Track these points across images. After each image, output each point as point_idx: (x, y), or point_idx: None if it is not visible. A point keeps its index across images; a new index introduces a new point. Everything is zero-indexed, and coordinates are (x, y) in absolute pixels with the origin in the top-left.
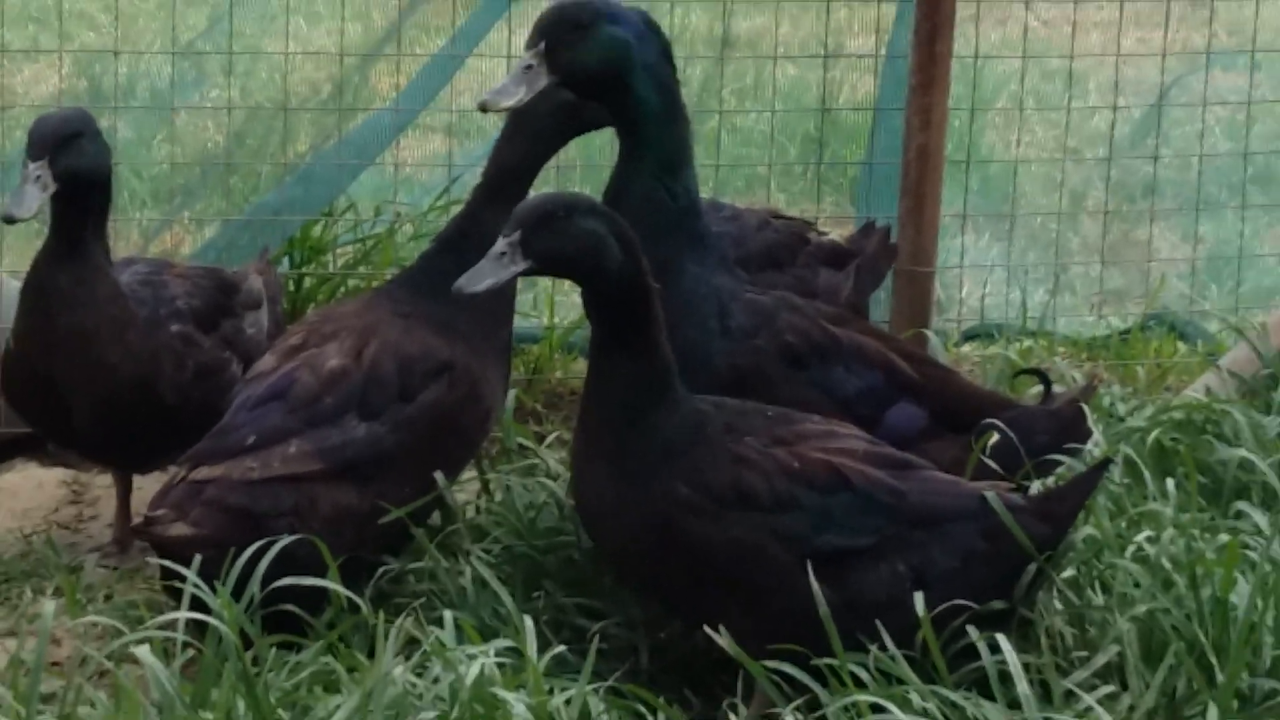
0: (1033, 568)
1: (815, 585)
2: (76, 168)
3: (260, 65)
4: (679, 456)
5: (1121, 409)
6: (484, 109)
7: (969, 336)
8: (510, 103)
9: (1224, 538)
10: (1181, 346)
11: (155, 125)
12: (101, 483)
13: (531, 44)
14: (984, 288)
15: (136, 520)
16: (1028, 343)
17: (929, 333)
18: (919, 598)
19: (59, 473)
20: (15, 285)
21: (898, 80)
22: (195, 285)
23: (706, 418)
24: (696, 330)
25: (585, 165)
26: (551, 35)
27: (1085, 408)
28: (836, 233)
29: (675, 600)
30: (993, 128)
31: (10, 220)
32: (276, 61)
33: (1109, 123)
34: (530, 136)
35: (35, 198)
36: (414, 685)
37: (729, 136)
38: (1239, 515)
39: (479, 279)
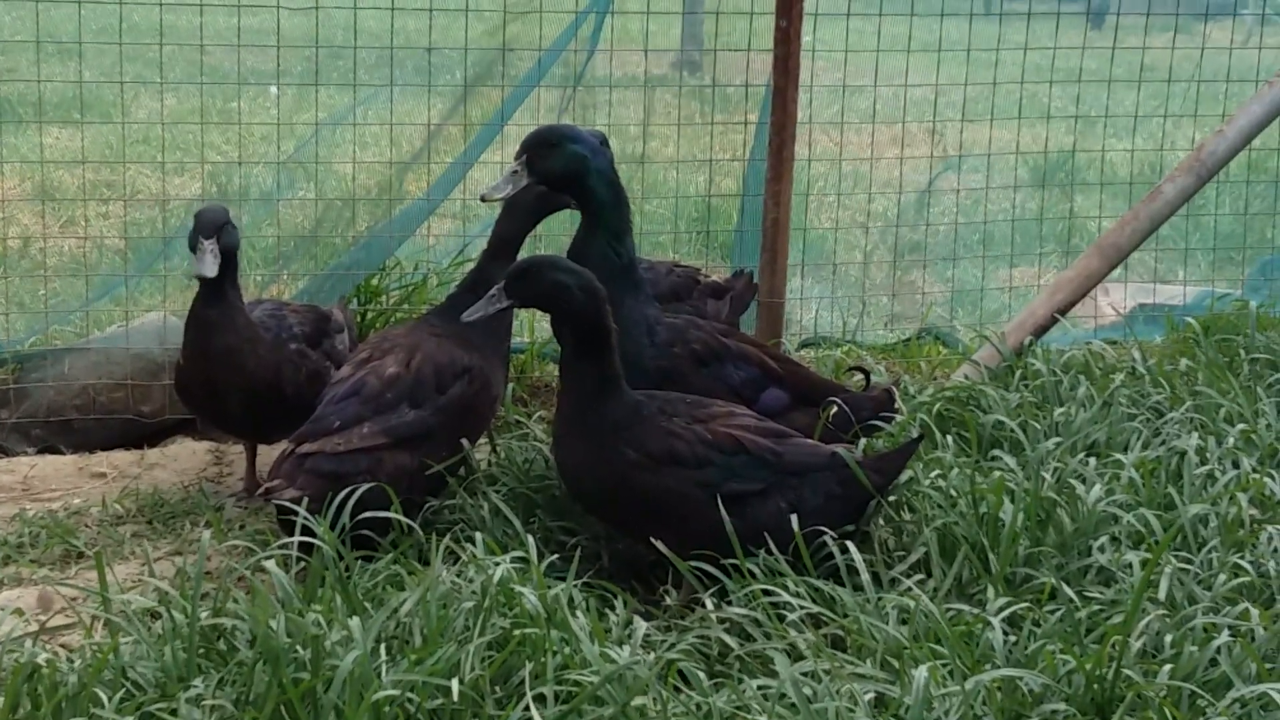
0: (873, 503)
1: (725, 516)
2: (230, 243)
3: (331, 174)
4: (625, 431)
5: (913, 390)
6: (483, 200)
7: (804, 344)
8: (500, 196)
9: (997, 474)
10: (944, 349)
11: (264, 213)
12: (235, 450)
13: (517, 156)
14: (814, 313)
15: (260, 487)
16: (845, 348)
17: (783, 341)
18: (794, 520)
19: (206, 444)
20: (174, 320)
21: (758, 177)
22: (304, 316)
23: (643, 404)
24: (632, 345)
25: (549, 235)
26: (530, 150)
27: (896, 392)
28: (716, 275)
29: (627, 525)
30: (812, 209)
31: (202, 278)
32: (343, 171)
33: (884, 207)
34: (518, 216)
35: (213, 264)
36: (456, 584)
37: (641, 217)
38: (994, 458)
39: (475, 311)
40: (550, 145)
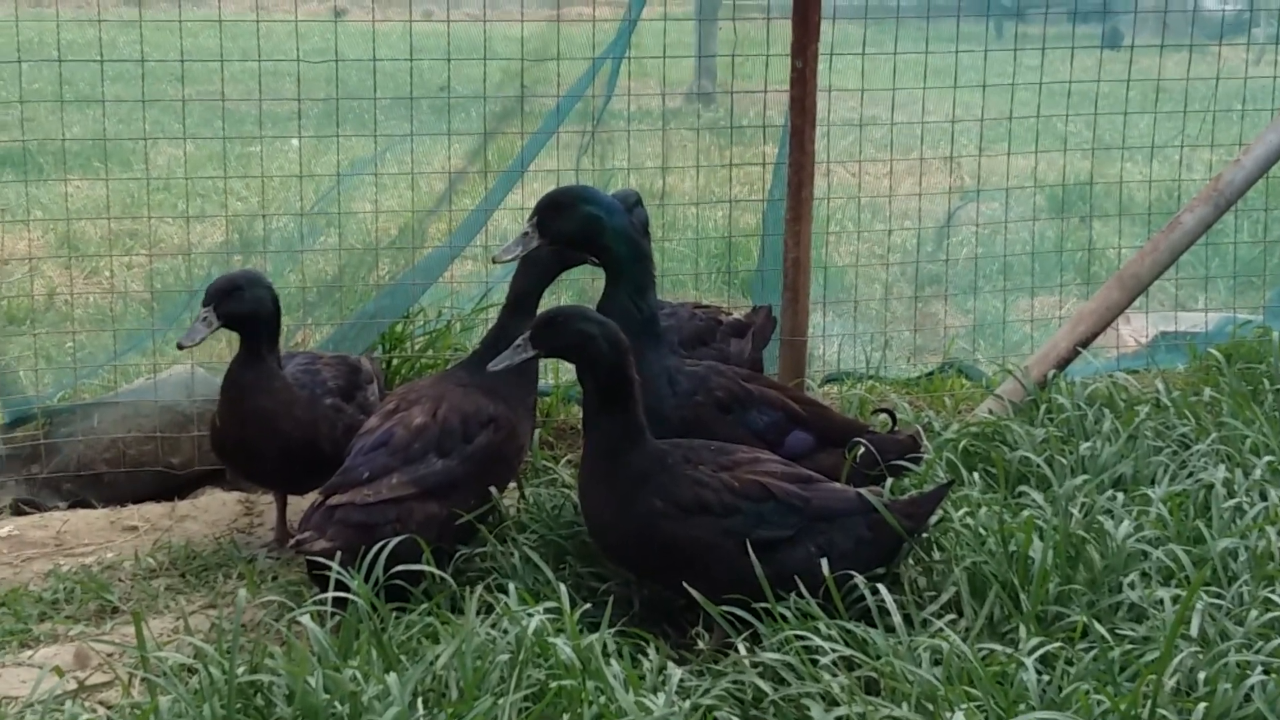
0: (905, 547)
1: (755, 562)
2: (233, 311)
3: (352, 221)
4: (652, 481)
5: (938, 427)
6: (494, 261)
7: (828, 380)
8: (510, 258)
9: (1025, 512)
10: (967, 383)
11: (288, 262)
12: (265, 500)
13: (530, 218)
14: (837, 349)
15: (291, 540)
16: (869, 383)
17: (807, 379)
18: (825, 564)
19: (235, 494)
20: (201, 372)
21: (777, 216)
22: (337, 369)
23: (668, 454)
24: (655, 397)
25: (571, 282)
26: (542, 212)
27: (922, 433)
28: (738, 313)
29: (656, 574)
30: (831, 243)
31: (181, 348)
32: (364, 218)
33: (902, 239)
34: (534, 273)
35: (201, 333)
36: (490, 635)
37: (662, 255)
38: (1021, 494)
39: (501, 361)
40: (562, 207)
